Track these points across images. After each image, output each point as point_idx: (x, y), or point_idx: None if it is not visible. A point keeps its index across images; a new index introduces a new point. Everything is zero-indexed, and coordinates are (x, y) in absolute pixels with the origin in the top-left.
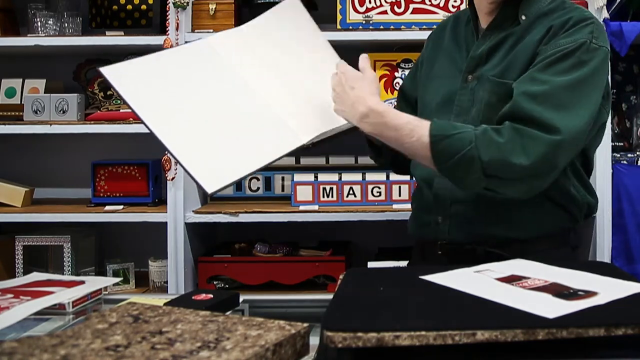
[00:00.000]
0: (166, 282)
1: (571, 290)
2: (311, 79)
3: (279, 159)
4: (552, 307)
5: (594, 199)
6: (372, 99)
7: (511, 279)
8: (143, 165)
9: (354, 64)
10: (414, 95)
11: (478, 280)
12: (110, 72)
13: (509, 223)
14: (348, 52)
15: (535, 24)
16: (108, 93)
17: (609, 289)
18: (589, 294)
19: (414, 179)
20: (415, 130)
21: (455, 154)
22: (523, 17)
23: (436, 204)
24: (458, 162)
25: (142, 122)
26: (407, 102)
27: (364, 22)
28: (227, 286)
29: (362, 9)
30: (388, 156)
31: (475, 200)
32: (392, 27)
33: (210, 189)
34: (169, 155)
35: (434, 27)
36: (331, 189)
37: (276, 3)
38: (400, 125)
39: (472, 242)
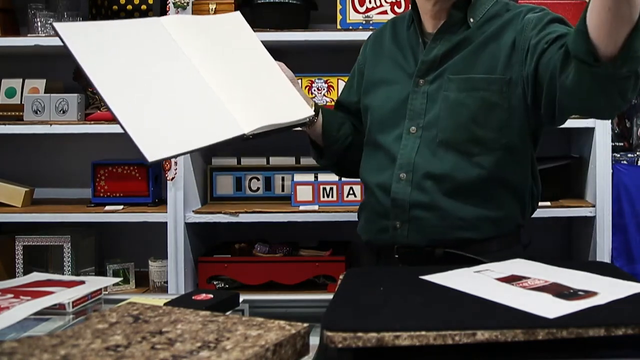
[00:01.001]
0: (166, 282)
1: (571, 290)
2: (255, 75)
3: (217, 144)
4: (552, 307)
5: (539, 189)
6: None
7: (511, 279)
8: (143, 165)
9: (353, 63)
10: (354, 104)
11: (478, 280)
12: (63, 29)
13: (468, 225)
14: (348, 52)
15: (485, 26)
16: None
17: (609, 289)
18: (589, 294)
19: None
20: None
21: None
22: (471, 20)
23: (394, 209)
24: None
25: (90, 83)
26: (347, 113)
27: (364, 22)
28: (227, 286)
29: (362, 9)
30: (333, 158)
31: (434, 204)
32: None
33: (150, 158)
34: (114, 118)
35: None
36: (331, 189)
37: (275, 3)
38: None
39: (431, 245)
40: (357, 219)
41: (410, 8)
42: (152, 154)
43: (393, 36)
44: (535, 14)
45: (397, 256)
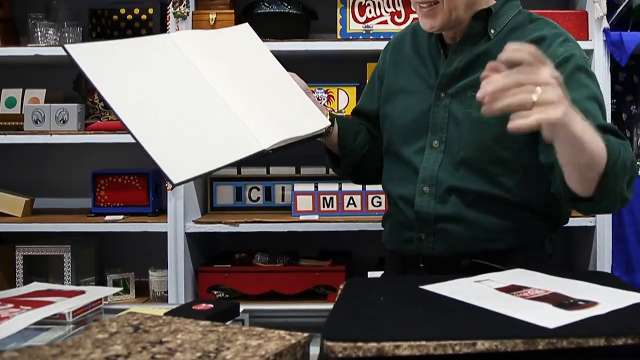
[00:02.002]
0: (166, 292)
1: (571, 300)
2: (270, 87)
3: (238, 161)
4: (552, 317)
5: (567, 210)
6: None
7: (511, 289)
8: (143, 175)
9: (353, 73)
10: (374, 111)
11: (478, 290)
12: (75, 50)
13: (493, 236)
14: (348, 62)
15: (507, 38)
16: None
17: (609, 299)
18: (589, 303)
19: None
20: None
21: (618, 155)
22: (492, 31)
23: (419, 222)
24: (619, 163)
25: (108, 106)
26: (365, 120)
27: (364, 32)
28: (227, 296)
29: (362, 19)
30: (349, 166)
31: (459, 216)
32: (392, 37)
33: (175, 180)
34: (135, 141)
35: None
36: (331, 198)
37: (275, 13)
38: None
39: (457, 256)
40: (357, 229)
41: None
42: (176, 177)
43: (413, 44)
44: (561, 57)
45: (422, 265)
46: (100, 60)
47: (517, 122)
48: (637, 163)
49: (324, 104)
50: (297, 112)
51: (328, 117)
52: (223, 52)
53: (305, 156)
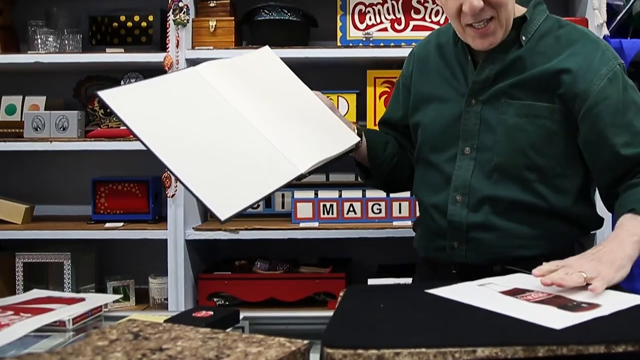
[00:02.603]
0: (166, 299)
1: (574, 303)
2: (298, 109)
3: (279, 189)
4: (556, 319)
5: (598, 215)
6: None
7: (515, 292)
8: (143, 182)
9: (353, 80)
10: (400, 119)
11: (481, 294)
12: (109, 97)
13: (525, 244)
14: (348, 69)
15: (538, 45)
16: (108, 110)
17: (612, 301)
18: (592, 305)
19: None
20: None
21: None
22: (523, 38)
23: (451, 230)
24: None
25: (147, 149)
26: (392, 130)
27: (364, 39)
28: (227, 303)
29: (362, 26)
30: (380, 177)
31: (491, 225)
32: (392, 44)
33: (223, 217)
34: (178, 181)
35: None
36: (331, 206)
37: (275, 20)
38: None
39: (489, 264)
40: (357, 236)
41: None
42: (223, 213)
43: (438, 50)
44: (605, 79)
45: (454, 271)
46: (134, 104)
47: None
48: None
49: None
50: (327, 132)
51: (356, 131)
52: (248, 79)
53: None
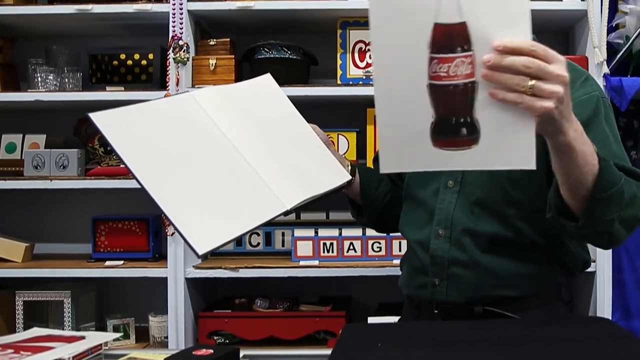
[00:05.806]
0: (166, 337)
1: None
2: (291, 143)
3: (263, 224)
4: None
5: (588, 255)
6: None
7: None
8: (143, 221)
9: (354, 118)
10: None
11: None
12: (99, 119)
13: (507, 283)
14: (348, 107)
15: None
16: (108, 148)
17: None
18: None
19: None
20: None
21: (614, 185)
22: None
23: (432, 266)
24: (612, 194)
25: (132, 175)
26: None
27: (364, 77)
28: (227, 341)
29: (362, 64)
30: (372, 216)
31: (472, 262)
32: None
33: (200, 251)
34: (160, 211)
35: None
36: (331, 244)
37: (276, 58)
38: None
39: (470, 303)
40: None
41: None
42: (201, 247)
43: None
44: (579, 99)
45: (436, 311)
46: (123, 127)
47: (498, 93)
48: None
49: None
50: (319, 168)
51: (349, 168)
52: (245, 107)
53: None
